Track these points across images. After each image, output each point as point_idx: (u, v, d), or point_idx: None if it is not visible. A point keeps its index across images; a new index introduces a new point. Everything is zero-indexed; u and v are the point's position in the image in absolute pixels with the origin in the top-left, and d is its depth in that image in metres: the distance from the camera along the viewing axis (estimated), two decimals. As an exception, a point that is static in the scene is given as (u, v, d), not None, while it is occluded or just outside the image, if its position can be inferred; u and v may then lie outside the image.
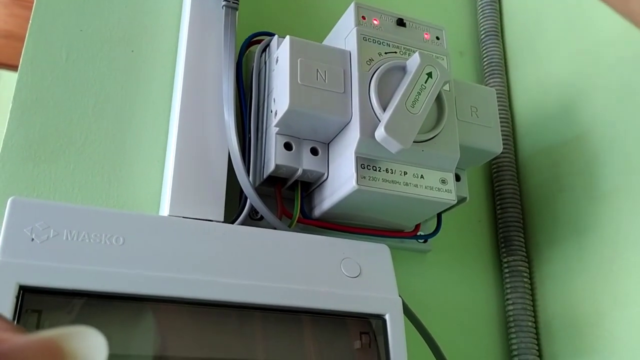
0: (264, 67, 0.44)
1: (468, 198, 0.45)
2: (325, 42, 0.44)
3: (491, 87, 0.58)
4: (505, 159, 0.55)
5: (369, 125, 0.37)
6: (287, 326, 0.33)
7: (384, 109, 0.37)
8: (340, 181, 0.38)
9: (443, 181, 0.40)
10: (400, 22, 0.42)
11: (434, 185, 0.39)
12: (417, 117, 0.37)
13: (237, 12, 0.43)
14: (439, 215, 0.47)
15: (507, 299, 0.50)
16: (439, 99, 0.40)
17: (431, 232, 0.47)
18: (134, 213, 0.35)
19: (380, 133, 0.36)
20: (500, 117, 0.55)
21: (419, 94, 0.38)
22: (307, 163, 0.40)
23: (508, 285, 0.51)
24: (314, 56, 0.39)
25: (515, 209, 0.53)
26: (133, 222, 0.32)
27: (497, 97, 0.57)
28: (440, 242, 0.51)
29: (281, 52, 0.39)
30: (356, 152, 0.37)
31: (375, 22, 0.41)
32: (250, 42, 0.46)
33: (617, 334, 0.43)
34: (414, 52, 0.41)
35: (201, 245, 0.33)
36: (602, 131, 0.48)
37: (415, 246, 0.49)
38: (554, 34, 0.55)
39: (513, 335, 0.49)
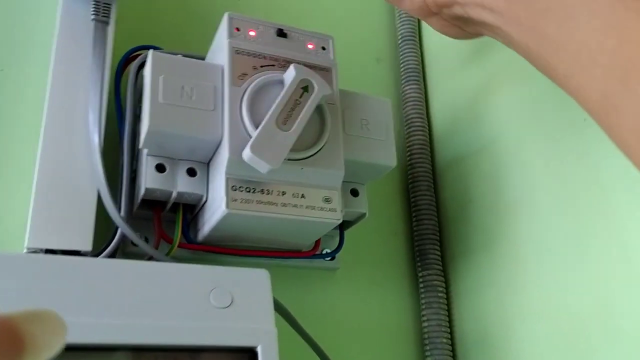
0: (140, 85, 0.41)
1: (367, 214, 0.43)
2: (208, 57, 0.41)
3: (408, 94, 0.56)
4: (421, 168, 0.53)
5: (239, 144, 0.34)
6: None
7: (257, 127, 0.35)
8: (216, 204, 0.36)
9: (327, 200, 0.37)
10: (281, 33, 0.40)
11: (316, 204, 0.37)
12: (289, 134, 0.35)
13: (108, 27, 0.41)
14: (341, 231, 0.45)
15: (422, 315, 0.48)
16: (321, 114, 0.38)
17: (333, 249, 0.45)
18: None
19: (246, 153, 0.33)
20: (417, 125, 0.54)
21: (293, 109, 0.35)
22: (182, 185, 0.37)
23: (423, 301, 0.48)
24: (180, 72, 0.36)
25: (431, 221, 0.51)
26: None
27: (413, 105, 0.55)
28: (352, 257, 0.48)
29: (146, 68, 0.37)
30: (227, 173, 0.35)
31: (251, 33, 0.39)
32: (129, 57, 0.43)
33: (524, 349, 0.41)
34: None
35: (56, 283, 0.30)
36: (506, 142, 0.46)
37: (322, 264, 0.47)
38: (466, 42, 0.53)
39: (428, 353, 0.47)
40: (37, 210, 0.35)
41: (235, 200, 0.35)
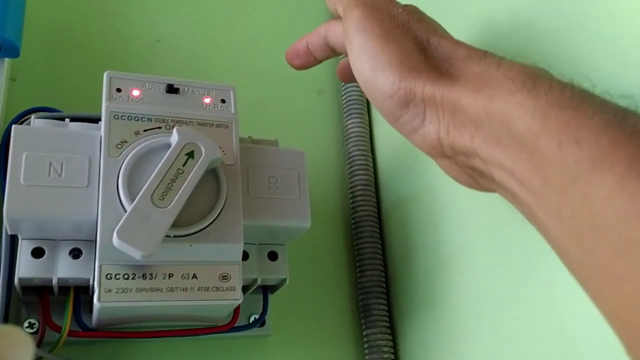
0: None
1: (288, 279, 0.39)
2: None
3: (350, 129, 0.52)
4: (364, 212, 0.48)
5: (113, 225, 0.30)
6: None
7: (135, 202, 0.31)
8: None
9: (224, 277, 0.33)
10: (171, 89, 0.36)
11: (210, 284, 0.33)
12: (166, 212, 0.30)
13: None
14: (264, 295, 0.40)
15: (368, 379, 0.44)
16: (216, 178, 0.34)
17: (257, 317, 0.40)
18: None
19: (115, 239, 0.29)
20: (359, 164, 0.50)
21: (173, 181, 0.31)
22: (64, 270, 0.33)
23: (367, 363, 0.44)
24: (49, 146, 0.32)
25: (376, 271, 0.46)
26: None
27: (356, 141, 0.51)
28: (288, 316, 0.44)
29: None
30: (100, 260, 0.31)
31: (134, 92, 0.35)
32: (21, 121, 0.39)
33: None
34: (186, 123, 0.34)
35: None
36: (444, 185, 0.41)
37: (251, 332, 0.43)
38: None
39: None
40: None
41: (110, 291, 0.30)
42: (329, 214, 0.49)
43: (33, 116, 0.36)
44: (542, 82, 0.22)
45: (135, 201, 0.30)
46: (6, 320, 0.33)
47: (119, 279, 0.31)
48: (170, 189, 0.31)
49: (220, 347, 0.41)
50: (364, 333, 0.45)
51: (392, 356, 0.44)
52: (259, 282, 0.38)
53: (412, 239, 0.44)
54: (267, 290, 0.40)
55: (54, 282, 0.33)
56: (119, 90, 0.34)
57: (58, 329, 0.34)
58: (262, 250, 0.38)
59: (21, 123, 0.38)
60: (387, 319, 0.45)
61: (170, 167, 0.31)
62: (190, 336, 0.38)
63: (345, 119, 0.53)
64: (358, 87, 0.53)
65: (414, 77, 0.26)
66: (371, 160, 0.51)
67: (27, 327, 0.36)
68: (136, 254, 0.29)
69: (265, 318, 0.41)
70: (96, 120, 0.35)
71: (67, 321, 0.34)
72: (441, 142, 0.26)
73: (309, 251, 0.47)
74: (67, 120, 0.36)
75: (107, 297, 0.30)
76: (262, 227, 0.36)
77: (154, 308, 0.32)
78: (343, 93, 0.54)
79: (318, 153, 0.52)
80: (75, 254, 0.34)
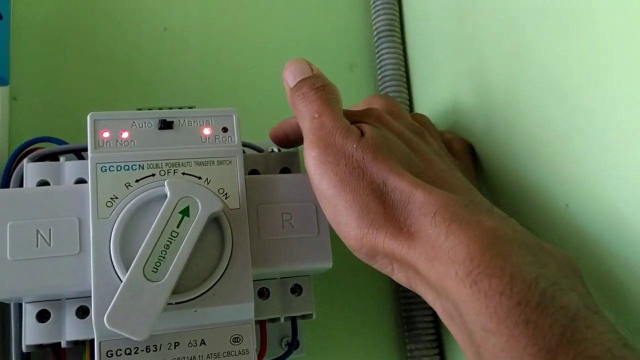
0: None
1: (314, 315, 0.35)
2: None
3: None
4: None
5: (109, 298, 0.28)
6: None
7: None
8: None
9: (235, 340, 0.30)
10: (164, 124, 0.31)
11: (221, 350, 0.30)
12: (161, 286, 0.27)
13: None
14: (293, 325, 0.37)
15: (412, 398, 0.41)
16: (218, 229, 0.30)
17: (287, 351, 0.38)
18: None
19: (106, 324, 0.27)
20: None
21: (167, 247, 0.28)
22: (72, 331, 0.31)
23: (412, 382, 0.41)
24: (35, 210, 0.29)
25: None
26: None
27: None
28: (324, 329, 0.41)
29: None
30: (98, 337, 0.29)
31: (124, 135, 0.31)
32: (22, 154, 0.36)
33: None
34: (183, 165, 0.30)
35: None
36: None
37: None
38: (459, 34, 0.41)
39: None
40: None
41: (112, 370, 0.28)
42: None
43: (25, 161, 0.33)
44: (482, 276, 0.21)
45: (125, 278, 0.27)
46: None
47: (120, 355, 0.29)
48: (164, 258, 0.28)
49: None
50: (408, 348, 0.42)
51: (439, 374, 0.41)
52: (282, 320, 0.35)
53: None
54: (295, 317, 0.37)
55: (63, 345, 0.31)
56: (105, 132, 0.30)
57: (79, 386, 0.33)
58: (286, 285, 0.35)
59: (22, 157, 0.36)
60: (433, 332, 0.41)
61: (163, 231, 0.28)
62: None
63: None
64: (394, 59, 0.46)
65: (373, 233, 0.26)
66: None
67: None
68: (131, 338, 0.27)
69: (299, 338, 0.39)
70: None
71: (84, 376, 0.33)
72: (412, 288, 0.27)
73: (344, 251, 0.44)
74: (62, 159, 0.33)
75: (109, 377, 0.28)
76: (277, 273, 0.32)
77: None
78: (378, 67, 0.48)
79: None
80: (82, 312, 0.31)
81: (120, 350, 0.29)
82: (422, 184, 0.26)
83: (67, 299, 0.31)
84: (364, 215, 0.26)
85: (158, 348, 0.29)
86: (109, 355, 0.28)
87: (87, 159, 0.30)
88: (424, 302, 0.40)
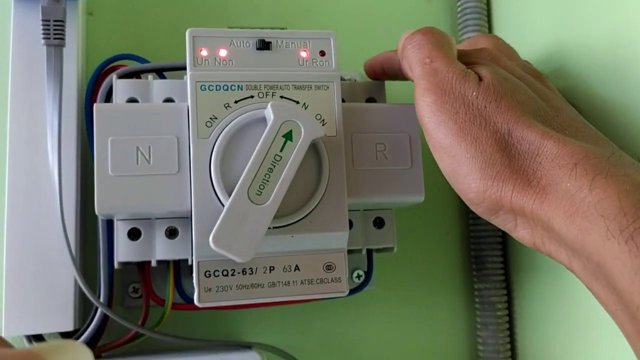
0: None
1: (395, 248, 0.35)
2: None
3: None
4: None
5: (209, 220, 0.28)
6: None
7: (230, 193, 0.27)
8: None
9: (328, 267, 0.30)
10: (262, 45, 0.30)
11: (314, 276, 0.30)
12: (265, 209, 0.27)
13: (62, 49, 0.33)
14: (369, 258, 0.37)
15: (478, 337, 0.41)
16: (316, 155, 0.29)
17: (360, 282, 0.38)
18: None
19: (211, 244, 0.27)
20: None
21: (271, 171, 0.27)
22: (161, 251, 0.31)
23: (479, 320, 0.41)
24: (134, 126, 0.29)
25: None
26: None
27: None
28: (394, 267, 0.41)
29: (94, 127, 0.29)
30: (197, 257, 0.29)
31: (221, 53, 0.30)
32: (103, 71, 0.35)
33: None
34: (281, 88, 0.30)
35: None
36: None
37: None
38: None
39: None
40: (10, 292, 0.32)
41: (209, 290, 0.28)
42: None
43: (114, 77, 0.32)
44: (638, 232, 0.19)
45: (229, 201, 0.27)
46: (111, 291, 0.33)
47: (218, 276, 0.29)
48: (267, 182, 0.27)
49: (321, 305, 0.40)
50: (476, 287, 0.42)
51: (507, 316, 0.41)
52: (363, 252, 0.35)
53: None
54: (371, 250, 0.37)
55: (153, 263, 0.31)
56: (204, 50, 0.29)
57: (162, 302, 0.34)
58: (368, 217, 0.35)
59: (103, 77, 0.35)
60: (502, 273, 0.41)
61: (267, 154, 0.27)
62: (292, 304, 0.36)
63: (460, 32, 0.45)
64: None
65: (498, 186, 0.24)
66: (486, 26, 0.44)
67: (132, 292, 0.36)
68: (235, 259, 0.27)
69: (370, 272, 0.39)
70: (183, 68, 0.31)
71: (169, 296, 0.33)
72: (537, 247, 0.25)
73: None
74: (150, 77, 0.32)
75: (207, 297, 0.28)
76: (369, 204, 0.32)
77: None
78: (458, 0, 0.45)
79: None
80: (171, 232, 0.31)
81: (218, 271, 0.29)
82: (553, 134, 0.24)
83: (157, 218, 0.31)
84: (487, 167, 0.24)
85: (254, 271, 0.29)
86: (207, 275, 0.29)
87: (176, 78, 0.30)
88: (495, 243, 0.40)
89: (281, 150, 0.28)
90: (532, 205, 0.23)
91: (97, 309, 0.32)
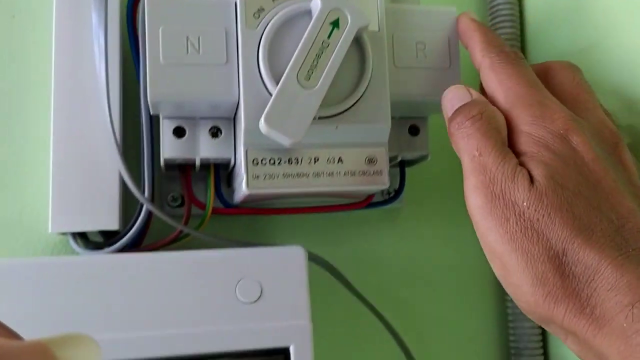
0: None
1: (430, 156, 0.36)
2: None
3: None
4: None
5: (257, 108, 0.28)
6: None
7: (278, 82, 0.28)
8: (240, 176, 0.31)
9: (370, 161, 0.31)
10: (308, -58, 0.31)
11: (356, 168, 0.30)
12: (314, 93, 0.28)
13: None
14: (401, 170, 0.38)
15: (505, 254, 0.42)
16: (360, 49, 0.30)
17: (392, 194, 0.39)
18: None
19: (262, 126, 0.27)
20: (505, 14, 0.43)
21: (318, 57, 0.28)
22: (205, 149, 0.32)
23: (506, 238, 0.42)
24: (184, 18, 0.29)
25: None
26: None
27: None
28: (423, 186, 0.42)
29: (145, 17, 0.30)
30: (245, 145, 0.29)
31: (269, -54, 0.30)
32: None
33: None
34: (327, -17, 0.30)
35: (69, 288, 0.28)
36: (622, 37, 0.35)
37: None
38: None
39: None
40: (56, 191, 0.33)
41: (257, 177, 0.29)
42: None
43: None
44: None
45: (280, 83, 0.27)
46: (152, 196, 0.34)
47: (265, 164, 0.29)
48: (315, 66, 0.28)
49: (353, 218, 0.41)
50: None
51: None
52: (398, 159, 0.35)
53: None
54: (404, 163, 0.38)
55: (197, 162, 0.32)
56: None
57: (202, 206, 0.34)
58: (402, 125, 0.35)
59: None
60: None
61: (315, 40, 0.28)
62: (327, 213, 0.37)
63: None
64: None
65: (550, 305, 0.23)
66: (518, 11, 0.44)
67: (171, 201, 0.36)
68: (285, 141, 0.27)
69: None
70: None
71: (210, 199, 0.34)
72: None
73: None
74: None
75: (255, 183, 0.29)
76: (407, 103, 0.33)
77: (295, 194, 0.31)
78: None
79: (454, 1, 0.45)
80: (215, 132, 0.32)
81: (265, 159, 0.29)
82: (610, 258, 0.22)
83: (201, 118, 0.32)
84: (538, 285, 0.23)
85: (299, 161, 0.30)
86: (255, 163, 0.29)
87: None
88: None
89: (329, 37, 0.28)
90: (586, 334, 0.22)
91: (141, 209, 0.33)
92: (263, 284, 0.29)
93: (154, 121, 0.33)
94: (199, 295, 0.29)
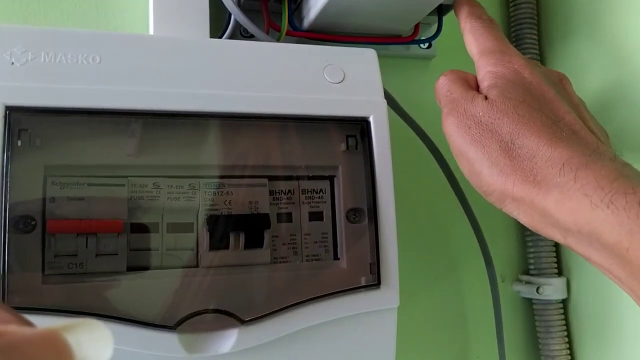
0: None
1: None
2: None
3: None
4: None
5: None
6: (273, 132, 0.34)
7: None
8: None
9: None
10: None
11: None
12: None
13: None
14: (439, 16, 0.45)
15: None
16: None
17: (431, 35, 0.45)
18: (111, 32, 0.35)
19: None
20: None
21: None
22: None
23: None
24: None
25: (529, 4, 0.50)
26: (109, 41, 0.32)
27: None
28: (447, 45, 0.49)
29: None
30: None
31: None
32: None
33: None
34: None
35: (181, 60, 0.33)
36: None
37: (418, 52, 0.48)
38: None
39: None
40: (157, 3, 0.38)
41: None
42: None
43: None
44: (617, 195, 0.25)
45: None
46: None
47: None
48: None
49: (389, 64, 0.47)
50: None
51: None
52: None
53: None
54: (441, 10, 0.44)
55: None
56: None
57: (278, 28, 0.40)
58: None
59: None
60: (537, 46, 0.49)
61: None
62: (380, 44, 0.44)
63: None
64: None
65: (502, 180, 0.29)
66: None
67: (243, 32, 0.42)
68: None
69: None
70: None
71: (284, 20, 0.40)
72: (538, 230, 0.30)
73: None
74: None
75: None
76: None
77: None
78: None
79: None
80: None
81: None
82: (547, 140, 0.29)
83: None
84: (493, 167, 0.30)
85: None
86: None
87: None
88: (533, 23, 0.48)
89: None
90: (530, 195, 0.28)
91: (228, 22, 0.39)
92: (345, 71, 0.36)
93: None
94: (294, 73, 0.35)
